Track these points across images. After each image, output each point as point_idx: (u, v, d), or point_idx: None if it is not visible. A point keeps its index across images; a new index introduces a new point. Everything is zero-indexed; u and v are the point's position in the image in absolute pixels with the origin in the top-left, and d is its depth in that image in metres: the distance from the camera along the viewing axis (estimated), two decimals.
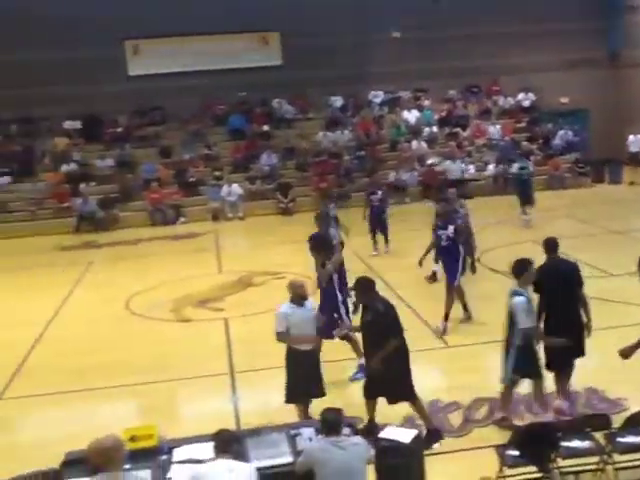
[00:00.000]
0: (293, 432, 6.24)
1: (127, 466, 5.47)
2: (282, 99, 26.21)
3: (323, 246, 9.46)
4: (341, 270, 9.58)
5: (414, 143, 25.00)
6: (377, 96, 26.80)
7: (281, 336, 7.59)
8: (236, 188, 22.64)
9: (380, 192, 15.86)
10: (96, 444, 4.96)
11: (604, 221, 17.55)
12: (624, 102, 26.32)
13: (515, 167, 19.66)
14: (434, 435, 7.37)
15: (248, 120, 25.67)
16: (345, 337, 8.91)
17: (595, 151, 25.31)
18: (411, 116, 26.07)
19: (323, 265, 9.24)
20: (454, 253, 10.73)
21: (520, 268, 7.37)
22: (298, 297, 7.63)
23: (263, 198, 22.94)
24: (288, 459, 5.87)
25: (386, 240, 15.61)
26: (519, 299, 7.19)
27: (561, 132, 25.63)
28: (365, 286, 7.52)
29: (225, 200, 22.41)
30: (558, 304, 7.52)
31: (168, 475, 5.75)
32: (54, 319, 12.79)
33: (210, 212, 22.33)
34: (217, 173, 23.51)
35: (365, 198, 16.13)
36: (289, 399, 7.71)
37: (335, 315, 9.00)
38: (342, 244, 12.09)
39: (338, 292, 9.16)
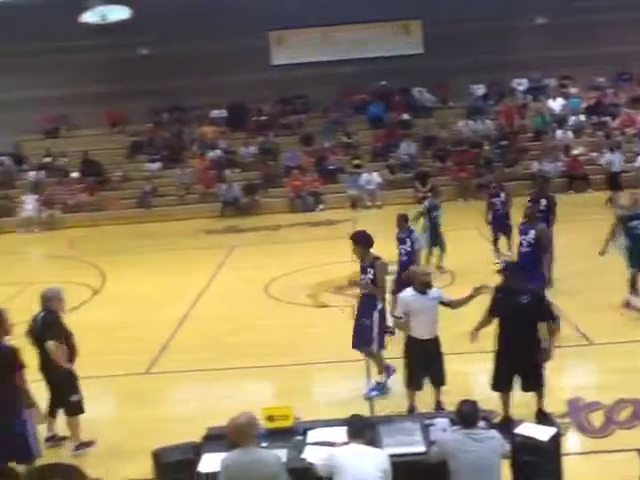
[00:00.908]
0: (427, 422, 6.24)
1: (264, 444, 5.68)
2: (422, 87, 25.98)
3: (364, 245, 8.56)
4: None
5: (559, 132, 24.12)
6: (521, 84, 26.04)
7: (397, 321, 7.71)
8: (375, 176, 22.73)
9: (503, 194, 14.33)
10: (232, 421, 5.21)
11: None
12: None
13: None
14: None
15: (388, 109, 25.65)
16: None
17: None
18: (556, 104, 25.12)
19: (364, 269, 8.50)
20: (532, 262, 9.87)
21: None
22: (421, 285, 7.62)
23: (401, 187, 22.86)
24: (421, 448, 5.87)
25: (510, 246, 13.88)
26: None
27: None
28: (517, 269, 7.46)
29: (364, 188, 22.55)
30: None
31: (302, 455, 5.89)
32: (199, 299, 13.40)
33: (348, 200, 22.54)
34: (356, 161, 23.66)
35: (487, 200, 14.59)
36: (408, 385, 7.79)
37: (367, 322, 8.47)
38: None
39: (378, 299, 8.53)
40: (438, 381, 7.76)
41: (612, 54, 24.33)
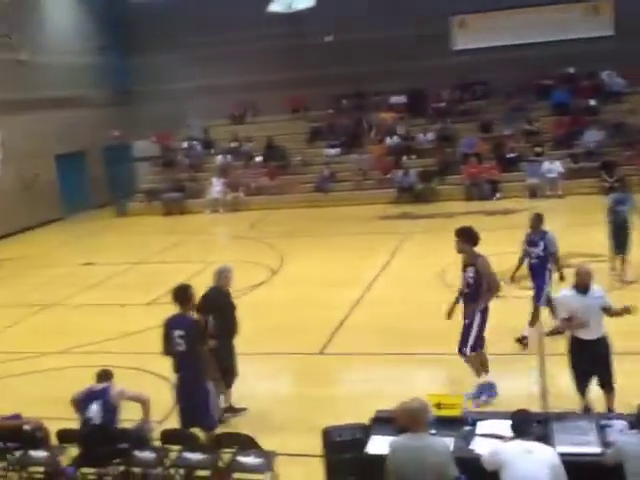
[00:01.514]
0: (603, 422, 6.02)
1: (432, 431, 5.71)
2: (612, 71, 24.58)
3: (466, 242, 8.17)
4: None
5: None
6: None
7: (561, 323, 7.40)
8: (557, 165, 21.87)
9: None
10: (404, 405, 5.26)
11: None
12: None
13: None
14: None
15: (574, 94, 24.53)
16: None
17: None
18: None
19: (465, 267, 8.22)
20: None
21: None
22: (581, 283, 7.26)
23: (585, 176, 21.83)
24: (596, 449, 5.68)
25: None
26: None
27: None
28: None
29: (544, 177, 21.77)
30: None
31: (470, 446, 5.88)
32: (373, 283, 13.59)
33: (527, 189, 21.85)
34: (537, 149, 22.89)
35: None
36: (576, 387, 7.45)
37: (467, 322, 8.23)
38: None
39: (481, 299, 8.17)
40: (607, 384, 7.35)
41: None
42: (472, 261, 8.19)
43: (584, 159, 22.33)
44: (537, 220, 10.23)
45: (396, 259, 15.41)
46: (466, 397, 7.79)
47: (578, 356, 7.37)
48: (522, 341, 9.91)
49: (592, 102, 24.09)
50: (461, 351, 8.36)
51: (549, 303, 9.83)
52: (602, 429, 5.92)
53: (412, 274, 14.02)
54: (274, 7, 24.46)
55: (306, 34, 25.79)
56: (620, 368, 7.60)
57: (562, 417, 6.25)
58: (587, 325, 7.17)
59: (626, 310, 7.27)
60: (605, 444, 5.69)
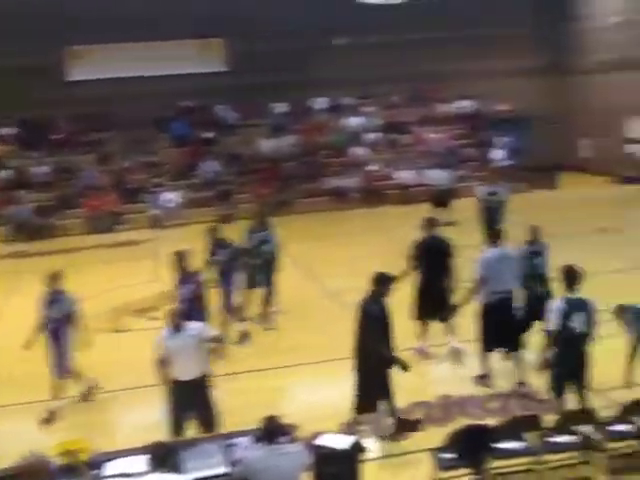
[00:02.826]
0: (228, 442, 6.21)
1: None
2: (227, 105, 26.04)
3: None
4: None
5: (356, 149, 25.10)
6: (321, 102, 26.90)
7: (156, 363, 7.18)
8: (175, 195, 22.41)
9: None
10: (22, 461, 4.92)
11: None
12: (567, 109, 27.31)
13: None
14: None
15: (191, 127, 25.42)
16: None
17: (537, 158, 24.56)
18: (353, 122, 26.14)
19: None
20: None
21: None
22: (172, 322, 7.14)
23: (204, 205, 22.66)
24: (223, 469, 5.85)
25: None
26: None
27: (502, 139, 25.50)
28: None
29: (164, 207, 22.12)
30: None
31: None
32: None
33: (149, 220, 21.99)
34: (157, 180, 23.23)
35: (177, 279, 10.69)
36: (170, 429, 7.22)
37: None
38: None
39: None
40: (207, 424, 7.21)
41: (405, 74, 25.80)
42: None
43: (203, 189, 23.21)
44: (53, 279, 9.08)
45: (8, 302, 14.25)
46: None
47: (175, 399, 7.18)
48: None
49: (209, 134, 25.19)
50: None
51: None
52: (229, 448, 6.11)
53: (28, 316, 13.05)
54: None
55: None
56: (232, 386, 7.90)
57: (189, 443, 6.33)
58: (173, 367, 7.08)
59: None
60: (232, 463, 5.86)
